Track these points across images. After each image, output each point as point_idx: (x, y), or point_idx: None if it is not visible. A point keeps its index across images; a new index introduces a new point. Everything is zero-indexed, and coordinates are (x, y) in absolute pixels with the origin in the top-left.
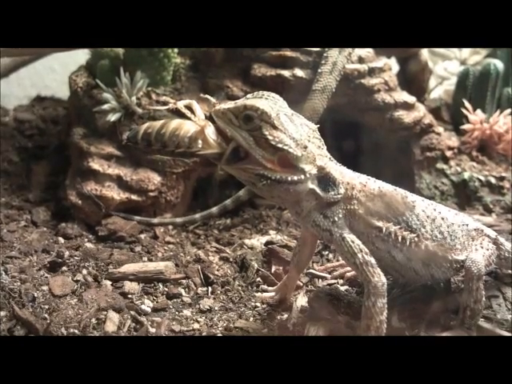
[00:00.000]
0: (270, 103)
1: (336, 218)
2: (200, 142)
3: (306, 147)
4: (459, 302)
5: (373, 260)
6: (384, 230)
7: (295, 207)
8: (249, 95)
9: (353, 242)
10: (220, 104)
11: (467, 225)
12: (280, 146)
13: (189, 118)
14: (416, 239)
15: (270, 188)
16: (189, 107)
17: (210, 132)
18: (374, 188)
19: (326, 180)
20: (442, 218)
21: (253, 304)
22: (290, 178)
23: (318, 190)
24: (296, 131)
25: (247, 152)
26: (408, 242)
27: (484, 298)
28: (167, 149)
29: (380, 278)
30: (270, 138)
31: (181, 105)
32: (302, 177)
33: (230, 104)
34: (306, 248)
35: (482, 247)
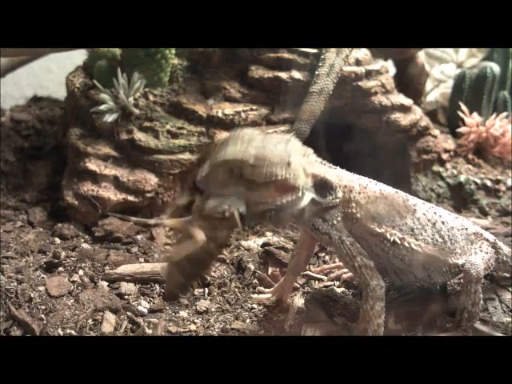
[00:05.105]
0: (236, 148)
1: (335, 222)
2: (212, 245)
3: (289, 163)
4: (456, 305)
5: (371, 263)
6: (384, 233)
7: (297, 217)
8: (216, 148)
9: (352, 244)
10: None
11: (466, 228)
12: (268, 180)
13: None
14: (417, 243)
15: (277, 217)
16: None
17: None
18: (374, 190)
19: (321, 185)
20: (443, 222)
21: (249, 305)
22: (290, 199)
23: (316, 198)
24: (273, 154)
25: (248, 201)
26: (409, 246)
27: (481, 301)
28: (199, 272)
29: (378, 282)
30: (256, 178)
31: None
32: (300, 194)
33: (205, 170)
34: (304, 250)
35: (481, 250)
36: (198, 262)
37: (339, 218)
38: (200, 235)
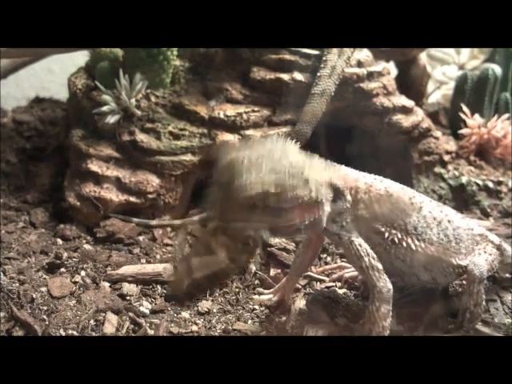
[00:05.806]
0: (247, 179)
1: (344, 223)
2: (232, 266)
3: (307, 180)
4: (457, 306)
5: (380, 265)
6: (388, 234)
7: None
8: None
9: (360, 245)
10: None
11: (472, 229)
12: (291, 204)
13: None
14: (421, 243)
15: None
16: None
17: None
18: (380, 188)
19: (332, 191)
20: (449, 221)
21: (251, 306)
22: (317, 216)
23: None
24: (288, 175)
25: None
26: (413, 246)
27: (484, 302)
28: (210, 287)
29: (386, 284)
30: (281, 204)
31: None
32: (325, 207)
33: (220, 207)
34: (310, 251)
35: (485, 252)
36: (213, 279)
37: (348, 220)
38: (222, 256)
